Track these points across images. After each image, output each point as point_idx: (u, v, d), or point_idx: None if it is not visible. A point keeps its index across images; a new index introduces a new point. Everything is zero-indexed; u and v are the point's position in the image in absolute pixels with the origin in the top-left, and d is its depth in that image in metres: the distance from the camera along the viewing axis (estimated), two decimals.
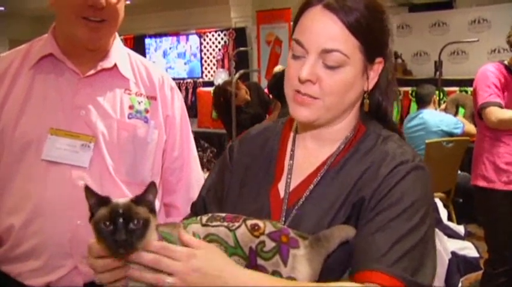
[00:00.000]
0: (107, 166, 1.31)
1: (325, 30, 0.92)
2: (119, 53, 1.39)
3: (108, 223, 0.82)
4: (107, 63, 1.34)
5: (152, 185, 0.87)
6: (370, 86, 0.99)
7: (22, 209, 1.26)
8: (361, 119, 1.04)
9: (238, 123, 4.08)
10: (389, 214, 0.89)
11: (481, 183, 2.74)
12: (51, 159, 1.27)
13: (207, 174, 1.24)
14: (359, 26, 0.91)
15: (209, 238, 0.89)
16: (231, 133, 4.23)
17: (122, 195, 1.31)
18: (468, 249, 1.13)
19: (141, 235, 0.82)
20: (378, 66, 0.99)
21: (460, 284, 1.10)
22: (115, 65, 1.36)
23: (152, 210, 0.87)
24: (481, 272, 1.05)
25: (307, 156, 1.04)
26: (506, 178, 2.66)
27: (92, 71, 1.32)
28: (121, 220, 0.81)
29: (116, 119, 1.33)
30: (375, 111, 1.03)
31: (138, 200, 0.86)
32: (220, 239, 0.89)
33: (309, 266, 0.87)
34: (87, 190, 0.87)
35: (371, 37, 0.94)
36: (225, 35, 8.89)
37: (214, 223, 0.91)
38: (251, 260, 0.87)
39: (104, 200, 0.86)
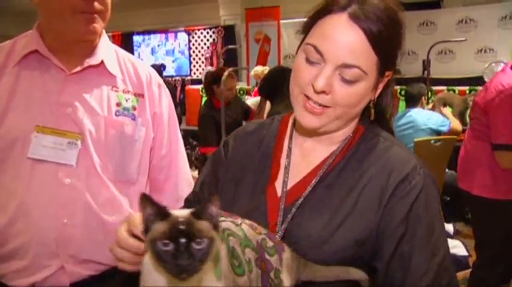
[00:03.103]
0: (93, 164, 1.29)
1: (348, 43, 0.88)
2: (105, 49, 1.37)
3: (167, 242, 0.69)
4: (93, 60, 1.32)
5: (215, 198, 0.74)
6: (376, 95, 0.99)
7: (7, 208, 1.24)
8: (361, 123, 1.03)
9: (219, 124, 4.07)
10: (419, 231, 0.90)
11: (485, 193, 2.67)
12: (37, 157, 1.25)
13: (195, 172, 1.23)
14: (380, 38, 0.89)
15: (226, 233, 0.83)
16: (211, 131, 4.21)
17: (108, 193, 1.30)
18: (457, 248, 1.14)
19: (205, 256, 0.70)
20: (386, 79, 0.98)
21: None
22: (102, 62, 1.34)
23: (215, 225, 0.74)
24: (469, 270, 1.05)
25: (304, 155, 1.03)
26: (506, 187, 2.62)
27: (79, 68, 1.30)
28: (183, 239, 0.68)
29: (103, 116, 1.31)
30: (375, 113, 1.03)
31: (199, 213, 0.73)
32: (233, 232, 0.83)
33: (289, 274, 0.86)
34: (145, 198, 0.73)
35: (388, 51, 0.92)
36: (213, 32, 8.87)
37: (221, 218, 0.85)
38: (261, 253, 0.85)
39: (163, 212, 0.72)
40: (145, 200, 0.73)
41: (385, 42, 0.90)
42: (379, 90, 0.98)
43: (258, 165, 1.05)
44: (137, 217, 0.83)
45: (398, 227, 0.90)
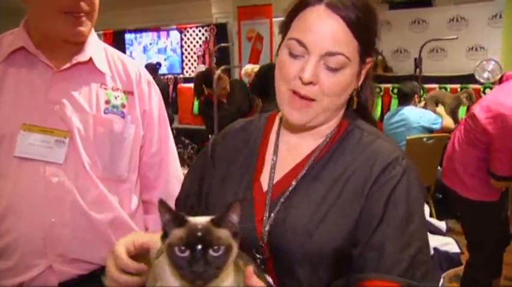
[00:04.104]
0: (82, 162, 1.27)
1: (330, 32, 0.90)
2: (94, 47, 1.35)
3: (184, 248, 0.69)
4: (82, 57, 1.30)
5: (236, 205, 0.74)
6: (359, 84, 1.00)
7: None
8: (345, 116, 1.05)
9: (218, 119, 4.02)
10: (395, 220, 0.90)
11: (472, 196, 2.65)
12: (24, 155, 1.23)
13: (187, 170, 1.22)
14: (359, 25, 0.91)
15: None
16: (211, 127, 4.15)
17: (97, 191, 1.28)
18: (450, 245, 1.14)
19: (222, 264, 0.70)
20: (367, 66, 1.00)
21: (441, 280, 1.09)
22: (90, 59, 1.32)
23: (234, 234, 0.74)
24: (460, 267, 1.05)
25: (290, 150, 1.04)
26: (493, 190, 2.60)
27: (67, 65, 1.28)
28: (199, 246, 0.69)
29: (91, 114, 1.30)
30: (357, 106, 1.04)
31: (219, 221, 0.73)
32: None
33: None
34: (162, 204, 0.74)
35: (368, 37, 0.95)
36: (206, 30, 8.84)
37: None
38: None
39: (180, 219, 0.73)
40: (163, 206, 0.73)
41: (364, 28, 0.92)
42: (361, 79, 1.00)
43: (244, 161, 1.07)
44: (119, 248, 0.86)
45: (375, 215, 0.91)
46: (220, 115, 3.97)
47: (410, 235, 0.90)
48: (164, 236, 0.74)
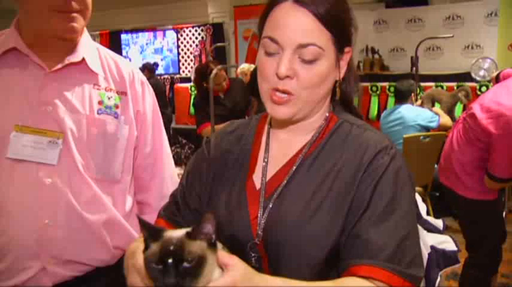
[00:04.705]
0: (75, 163, 1.26)
1: (299, 25, 0.92)
2: (87, 47, 1.34)
3: (157, 262, 0.74)
4: (74, 58, 1.29)
5: (209, 214, 0.78)
6: (341, 75, 1.01)
7: None
8: (332, 110, 1.06)
9: (215, 113, 4.05)
10: (379, 207, 0.91)
11: (470, 195, 2.62)
12: (17, 157, 1.22)
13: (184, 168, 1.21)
14: (329, 17, 0.93)
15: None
16: (202, 117, 4.20)
17: (90, 192, 1.27)
18: (447, 243, 1.13)
19: (195, 275, 0.74)
20: (347, 56, 1.01)
21: (438, 278, 1.09)
22: (83, 59, 1.31)
23: (211, 244, 0.78)
24: (458, 265, 1.04)
25: (281, 147, 1.05)
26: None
27: (59, 66, 1.27)
28: (171, 260, 0.73)
29: (84, 114, 1.28)
30: (340, 99, 1.06)
31: (194, 233, 0.77)
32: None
33: None
34: (140, 222, 0.80)
35: (340, 27, 0.96)
36: (202, 30, 8.81)
37: None
38: None
39: (156, 234, 0.78)
40: (141, 223, 0.80)
41: (335, 19, 0.94)
42: (342, 70, 1.01)
43: (237, 161, 1.08)
44: (140, 261, 0.84)
45: (362, 203, 0.92)
46: (216, 109, 4.01)
47: (396, 221, 0.90)
48: (145, 249, 0.79)
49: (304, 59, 0.93)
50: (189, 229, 0.78)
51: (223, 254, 0.80)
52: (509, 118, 2.34)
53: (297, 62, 0.93)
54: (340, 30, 0.95)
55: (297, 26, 0.92)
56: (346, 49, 0.99)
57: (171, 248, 0.74)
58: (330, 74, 0.97)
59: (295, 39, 0.92)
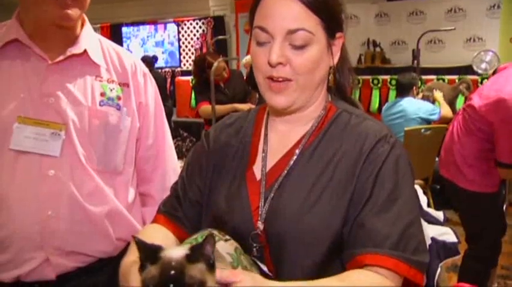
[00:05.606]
0: (78, 155, 1.26)
1: (287, 11, 0.93)
2: (89, 38, 1.33)
3: None
4: (76, 49, 1.29)
5: (210, 237, 0.75)
6: (335, 61, 1.02)
7: None
8: (330, 100, 1.07)
9: (216, 100, 4.09)
10: (382, 196, 0.91)
11: (471, 187, 2.63)
12: (20, 148, 1.22)
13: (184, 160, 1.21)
14: (317, 3, 0.93)
15: (238, 252, 0.91)
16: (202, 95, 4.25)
17: (93, 184, 1.28)
18: (447, 234, 1.14)
19: None
20: (339, 41, 1.01)
21: (439, 269, 1.09)
22: (85, 51, 1.30)
23: (210, 265, 0.75)
24: (458, 257, 1.05)
25: (280, 138, 1.06)
26: (492, 181, 2.60)
27: (61, 57, 1.27)
28: (172, 286, 0.70)
29: (87, 106, 1.29)
30: (335, 87, 1.06)
31: (194, 255, 0.74)
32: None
33: None
34: (136, 242, 0.75)
35: (329, 13, 0.96)
36: (203, 23, 8.79)
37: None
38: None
39: (155, 255, 0.74)
40: (137, 243, 0.75)
41: (323, 5, 0.94)
42: (336, 56, 1.01)
43: (237, 153, 1.08)
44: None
45: (364, 192, 0.92)
46: (217, 96, 4.06)
47: (399, 209, 0.91)
48: (141, 268, 0.75)
49: (295, 45, 0.93)
50: (187, 251, 0.74)
51: (225, 274, 0.77)
52: (508, 101, 2.34)
53: (288, 48, 0.94)
54: (329, 16, 0.96)
55: (285, 13, 0.93)
56: (338, 34, 1.00)
57: (172, 272, 0.71)
58: (322, 59, 0.98)
59: (284, 26, 0.92)
